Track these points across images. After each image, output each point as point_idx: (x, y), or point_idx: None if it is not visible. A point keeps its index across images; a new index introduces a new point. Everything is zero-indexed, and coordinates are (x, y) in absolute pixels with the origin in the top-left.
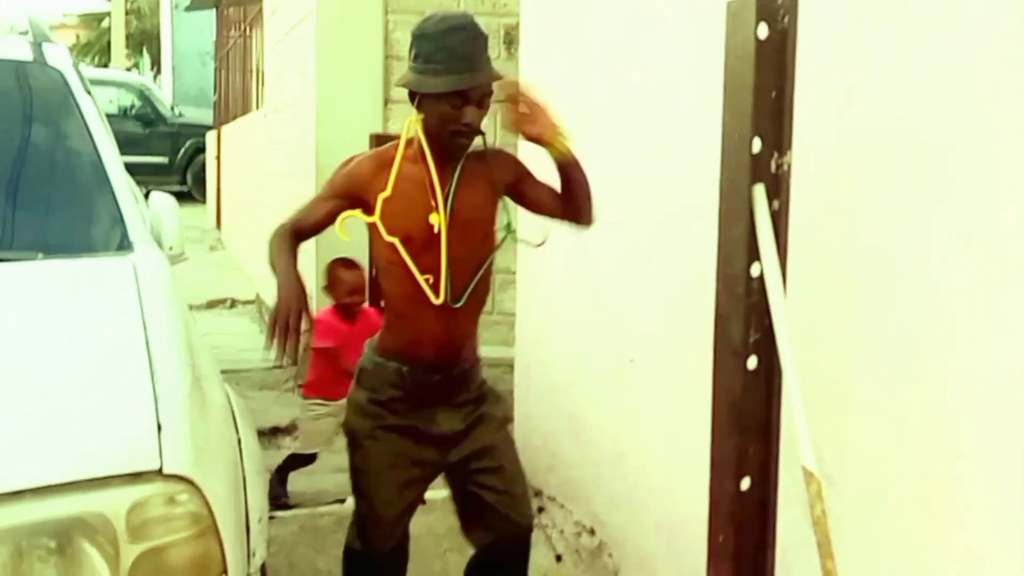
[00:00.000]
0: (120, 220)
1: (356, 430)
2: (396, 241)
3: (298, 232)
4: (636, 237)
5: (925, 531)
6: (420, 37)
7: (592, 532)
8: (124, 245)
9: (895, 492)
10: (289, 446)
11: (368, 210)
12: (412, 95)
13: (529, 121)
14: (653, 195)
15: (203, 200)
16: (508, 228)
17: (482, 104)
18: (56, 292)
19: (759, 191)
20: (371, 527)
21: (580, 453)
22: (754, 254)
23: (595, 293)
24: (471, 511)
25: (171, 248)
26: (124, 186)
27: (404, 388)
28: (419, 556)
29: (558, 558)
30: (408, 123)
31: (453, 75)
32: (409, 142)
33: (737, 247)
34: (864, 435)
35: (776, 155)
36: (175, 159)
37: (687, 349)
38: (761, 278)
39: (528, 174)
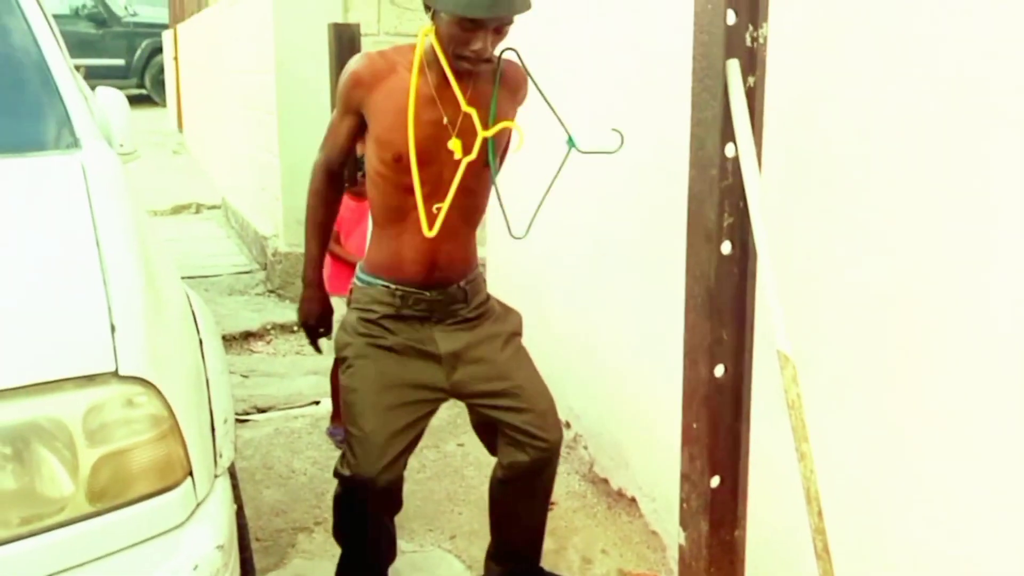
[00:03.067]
0: (66, 117)
1: (347, 348)
2: (389, 157)
3: (331, 171)
4: (605, 123)
5: (898, 413)
6: None
7: (567, 425)
8: (71, 143)
9: (869, 374)
10: (260, 350)
11: (368, 115)
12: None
13: None
14: (623, 71)
15: (163, 103)
16: (571, 143)
17: (500, 31)
18: (1, 192)
19: (733, 66)
20: (358, 448)
21: (553, 348)
22: (728, 134)
23: (564, 181)
24: (495, 435)
25: (122, 145)
26: (70, 83)
27: (395, 306)
28: None
29: None
30: (421, 32)
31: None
32: (411, 48)
33: (710, 127)
34: (841, 318)
35: (751, 27)
36: (131, 61)
37: (659, 235)
38: (736, 159)
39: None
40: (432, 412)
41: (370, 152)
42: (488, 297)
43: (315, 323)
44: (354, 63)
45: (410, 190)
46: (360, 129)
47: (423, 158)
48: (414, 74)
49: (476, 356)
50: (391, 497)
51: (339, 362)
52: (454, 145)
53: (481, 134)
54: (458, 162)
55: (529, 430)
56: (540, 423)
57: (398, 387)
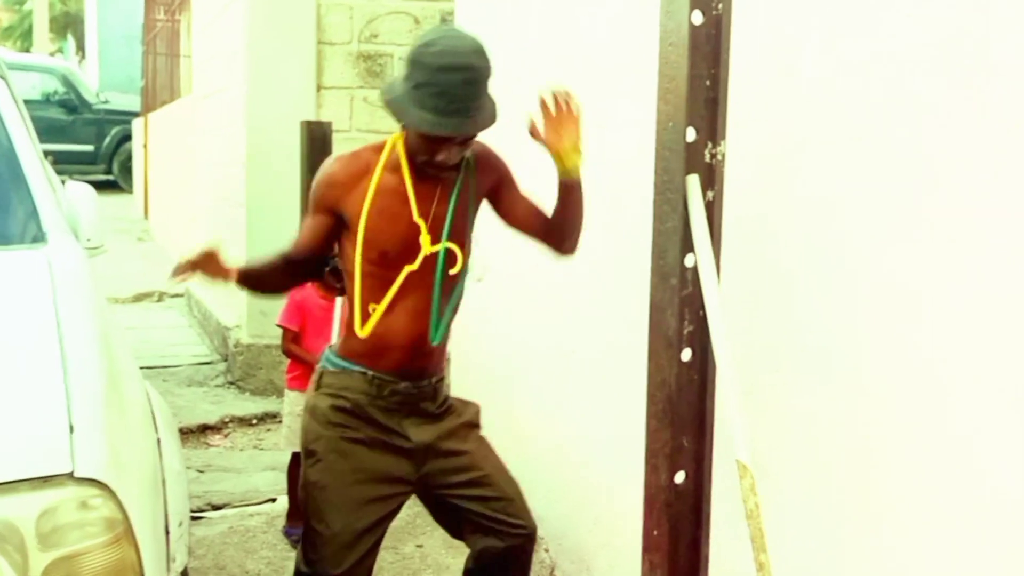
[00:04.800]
0: (34, 210)
1: (318, 441)
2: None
3: (288, 258)
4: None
5: (859, 523)
6: (414, 61)
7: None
8: (38, 237)
9: (829, 485)
10: (218, 444)
11: (346, 218)
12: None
13: (553, 127)
14: (588, 185)
15: (130, 190)
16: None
17: (465, 144)
18: None
19: (693, 181)
20: (322, 547)
21: (518, 449)
22: (688, 245)
23: (531, 286)
24: (466, 523)
25: (89, 240)
26: (39, 175)
27: (369, 394)
28: None
29: None
30: (392, 138)
31: (437, 116)
32: (383, 146)
33: (671, 238)
34: (800, 427)
35: (711, 144)
36: (101, 147)
37: (623, 342)
38: (695, 269)
39: (511, 180)
40: (399, 507)
41: (351, 250)
42: (447, 396)
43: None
44: (329, 165)
45: (391, 285)
46: (333, 229)
47: (400, 256)
48: (375, 175)
49: (445, 448)
50: None
51: (307, 454)
52: (425, 241)
53: (426, 247)
54: (434, 257)
55: (502, 518)
56: (512, 510)
57: (368, 483)
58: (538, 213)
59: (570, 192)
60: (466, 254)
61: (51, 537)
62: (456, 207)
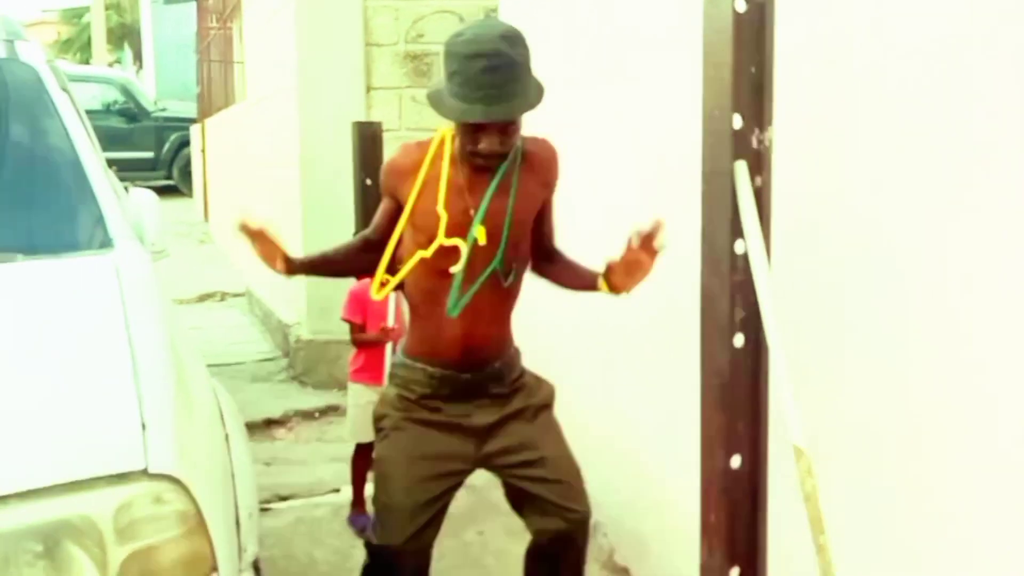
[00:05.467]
0: (100, 218)
1: (384, 419)
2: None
3: (367, 239)
4: (620, 218)
5: (915, 504)
6: (447, 53)
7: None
8: (105, 243)
9: (885, 466)
10: (283, 437)
11: (403, 201)
12: None
13: (628, 269)
14: (637, 174)
15: (190, 194)
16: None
17: (506, 131)
18: (37, 293)
19: (741, 168)
20: (386, 518)
21: (573, 437)
22: (738, 232)
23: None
24: (525, 504)
25: (153, 244)
26: (104, 182)
27: (432, 387)
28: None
29: None
30: (442, 132)
31: (468, 104)
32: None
33: (720, 226)
34: (853, 410)
35: (757, 131)
36: (160, 153)
37: (676, 327)
38: (745, 256)
39: (552, 194)
40: (459, 484)
41: (405, 237)
42: (523, 372)
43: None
44: (395, 153)
45: (444, 273)
46: (392, 217)
47: (454, 247)
48: (445, 164)
49: (509, 429)
50: (418, 569)
51: (376, 431)
52: (478, 232)
53: (477, 231)
54: (484, 248)
55: (556, 500)
56: (568, 493)
57: (429, 459)
58: (549, 241)
59: (594, 290)
60: (510, 250)
61: (127, 531)
62: (492, 199)
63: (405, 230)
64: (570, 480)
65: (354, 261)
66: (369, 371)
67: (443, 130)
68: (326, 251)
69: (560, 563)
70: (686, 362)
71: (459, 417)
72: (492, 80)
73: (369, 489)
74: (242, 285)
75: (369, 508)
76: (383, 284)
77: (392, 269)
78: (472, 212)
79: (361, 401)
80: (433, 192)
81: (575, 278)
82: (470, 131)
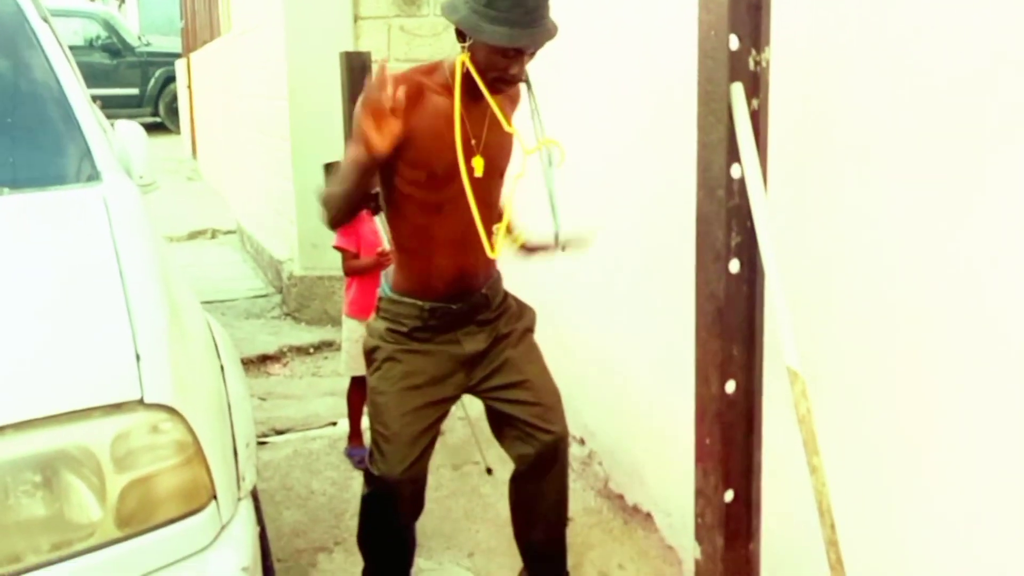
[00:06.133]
0: (87, 150)
1: (376, 351)
2: (421, 177)
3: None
4: (616, 146)
5: (908, 425)
6: None
7: (582, 442)
8: (92, 176)
9: (878, 390)
10: (278, 373)
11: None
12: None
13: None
14: (631, 94)
15: (177, 130)
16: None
17: (532, 56)
18: (25, 225)
19: (737, 90)
20: (386, 447)
21: (569, 367)
22: (734, 155)
23: (578, 205)
24: (505, 427)
25: (141, 177)
26: (89, 115)
27: (423, 319)
28: None
29: None
30: (458, 59)
31: (515, 28)
32: (433, 68)
33: (716, 149)
34: (847, 333)
35: (754, 52)
36: (145, 90)
37: (670, 254)
38: (742, 180)
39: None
40: (448, 411)
41: (394, 174)
42: (506, 295)
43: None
44: (382, 78)
45: (437, 208)
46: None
47: (450, 175)
48: (456, 98)
49: (493, 353)
50: (416, 495)
51: (368, 363)
52: (476, 163)
53: (476, 162)
54: (479, 179)
55: (535, 423)
56: (545, 415)
57: (423, 388)
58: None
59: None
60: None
61: (125, 461)
62: (504, 129)
63: (394, 169)
64: (550, 403)
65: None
66: (362, 305)
67: (461, 57)
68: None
69: (542, 486)
70: (681, 289)
71: (449, 345)
72: (536, 4)
73: (365, 422)
74: (233, 222)
75: (367, 440)
76: (491, 236)
77: (375, 208)
78: (474, 143)
79: (355, 336)
80: (435, 125)
81: None
82: (502, 57)
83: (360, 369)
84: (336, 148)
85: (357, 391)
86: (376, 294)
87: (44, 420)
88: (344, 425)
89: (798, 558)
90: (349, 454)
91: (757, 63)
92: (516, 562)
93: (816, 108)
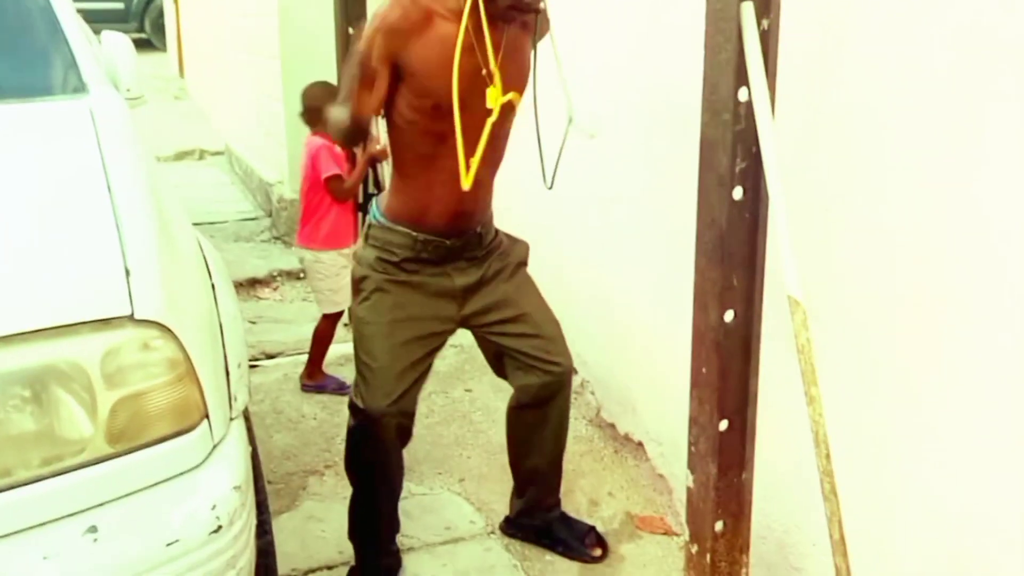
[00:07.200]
0: (73, 62)
1: (364, 281)
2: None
3: (364, 119)
4: (614, 63)
5: (907, 358)
6: None
7: (575, 371)
8: (78, 88)
9: (880, 322)
10: (268, 297)
11: (404, 63)
12: None
13: None
14: (635, 12)
15: (163, 47)
16: (569, 120)
17: None
18: (9, 136)
19: (747, 9)
20: (371, 379)
21: (562, 295)
22: (742, 78)
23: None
24: (506, 359)
25: (128, 90)
26: (75, 27)
27: (415, 250)
28: None
29: None
30: None
31: None
32: None
33: (724, 71)
34: (850, 262)
35: None
36: (131, 4)
37: (670, 180)
38: (749, 103)
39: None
40: (442, 345)
41: (400, 101)
42: (497, 232)
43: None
44: (387, 13)
45: (442, 138)
46: (394, 78)
47: (462, 108)
48: (463, 23)
49: (487, 289)
50: (402, 429)
51: (355, 293)
52: (492, 95)
53: (496, 98)
54: (489, 110)
55: (538, 355)
56: (549, 347)
57: (412, 320)
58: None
59: None
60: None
61: (116, 377)
62: (523, 57)
63: (400, 94)
64: (551, 334)
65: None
66: (342, 234)
67: None
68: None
69: (544, 418)
70: (680, 215)
71: (440, 279)
72: None
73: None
74: (221, 143)
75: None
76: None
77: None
78: (485, 73)
79: (334, 269)
80: (442, 53)
81: None
82: None
83: (339, 304)
84: (328, 65)
85: (330, 327)
86: (353, 220)
87: (32, 334)
88: (335, 349)
89: (791, 487)
90: (306, 388)
91: None
92: (507, 488)
93: (828, 32)
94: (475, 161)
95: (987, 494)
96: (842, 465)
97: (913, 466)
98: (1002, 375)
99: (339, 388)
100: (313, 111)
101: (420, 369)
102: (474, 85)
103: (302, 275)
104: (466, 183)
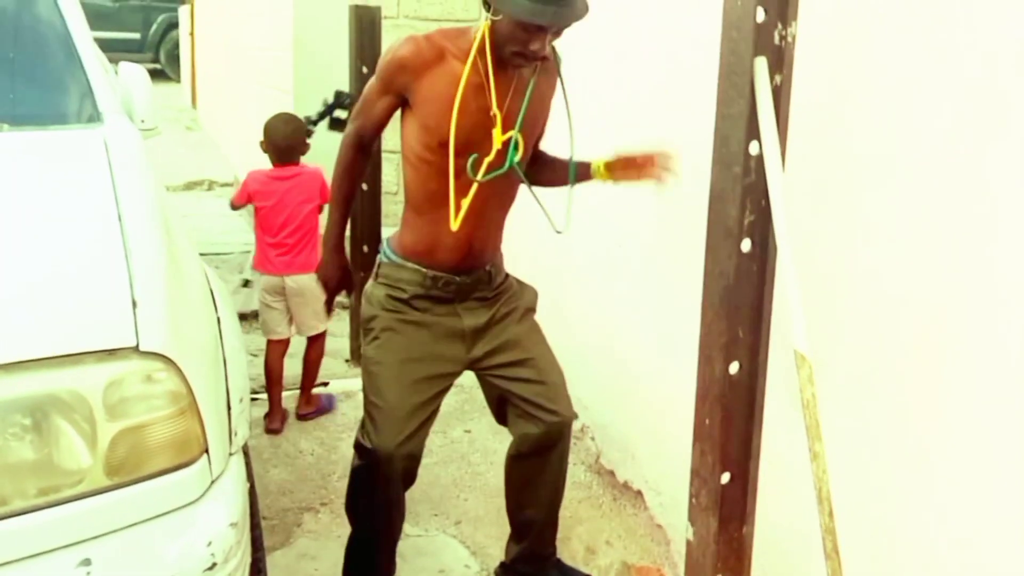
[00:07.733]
0: (89, 91)
1: (374, 320)
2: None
3: (363, 144)
4: (625, 114)
5: (912, 417)
6: None
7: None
8: (94, 117)
9: (885, 376)
10: None
11: (413, 100)
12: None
13: (630, 167)
14: (646, 68)
15: (177, 78)
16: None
17: (558, 33)
18: (24, 164)
19: (761, 64)
20: (380, 420)
21: (566, 339)
22: (753, 132)
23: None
24: (508, 405)
25: (143, 121)
26: (93, 56)
27: (425, 287)
28: None
29: None
30: (481, 27)
31: (536, 3)
32: (460, 33)
33: (736, 124)
34: (857, 318)
35: (780, 26)
36: (147, 35)
37: (679, 231)
38: (760, 157)
39: (553, 96)
40: (449, 387)
41: (411, 136)
42: (506, 275)
43: (334, 287)
44: (401, 48)
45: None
46: (391, 113)
47: (468, 147)
48: (467, 65)
49: (496, 331)
50: (408, 471)
51: (364, 333)
52: (497, 136)
53: (499, 138)
54: (500, 151)
55: (540, 402)
56: (552, 395)
57: (421, 361)
58: (539, 141)
59: (582, 179)
60: (528, 149)
61: (117, 408)
62: (531, 100)
63: (411, 130)
64: (555, 382)
65: (361, 178)
66: (293, 256)
67: (483, 26)
68: (342, 211)
69: (543, 467)
70: (688, 266)
71: (449, 318)
72: None
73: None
74: (231, 174)
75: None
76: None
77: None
78: (492, 114)
79: (319, 291)
80: (449, 92)
81: (551, 174)
82: (523, 31)
83: (325, 322)
84: None
85: (278, 357)
86: (263, 248)
87: (35, 362)
88: (336, 385)
89: (793, 544)
90: (313, 414)
91: (783, 37)
92: (503, 532)
93: (840, 87)
94: (466, 202)
95: (992, 556)
96: (845, 522)
97: (916, 526)
98: (1008, 435)
99: (329, 402)
100: (274, 144)
101: (429, 410)
102: (481, 125)
103: None
104: (454, 224)
